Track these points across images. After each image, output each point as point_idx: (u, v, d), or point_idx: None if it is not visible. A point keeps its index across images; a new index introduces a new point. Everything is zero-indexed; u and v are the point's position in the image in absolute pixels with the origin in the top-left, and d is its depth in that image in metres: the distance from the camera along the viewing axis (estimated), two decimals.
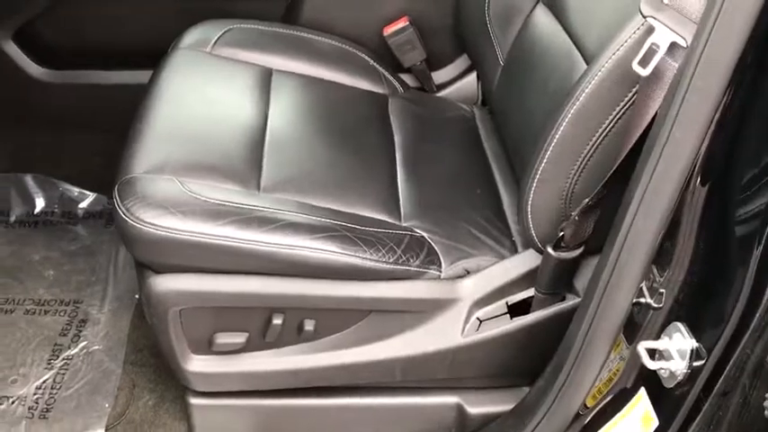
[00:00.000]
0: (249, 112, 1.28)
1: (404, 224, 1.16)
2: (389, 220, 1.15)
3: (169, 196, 1.07)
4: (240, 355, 1.15)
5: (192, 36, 1.44)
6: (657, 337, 0.84)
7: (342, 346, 1.14)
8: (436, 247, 1.13)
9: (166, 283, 1.08)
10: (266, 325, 1.11)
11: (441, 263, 1.12)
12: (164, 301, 1.09)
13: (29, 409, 1.34)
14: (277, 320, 1.10)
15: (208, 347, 1.13)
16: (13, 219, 1.73)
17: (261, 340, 1.13)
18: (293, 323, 1.12)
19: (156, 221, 1.04)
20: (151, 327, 1.15)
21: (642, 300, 0.88)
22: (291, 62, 1.44)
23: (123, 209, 1.06)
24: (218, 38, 1.43)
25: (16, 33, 1.58)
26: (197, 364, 1.14)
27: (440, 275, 1.11)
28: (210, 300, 1.10)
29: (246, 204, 1.08)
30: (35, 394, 1.36)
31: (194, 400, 1.20)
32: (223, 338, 1.12)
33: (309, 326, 1.12)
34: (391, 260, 1.08)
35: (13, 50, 1.59)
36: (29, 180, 1.76)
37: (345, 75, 1.46)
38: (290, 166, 1.19)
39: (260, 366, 1.15)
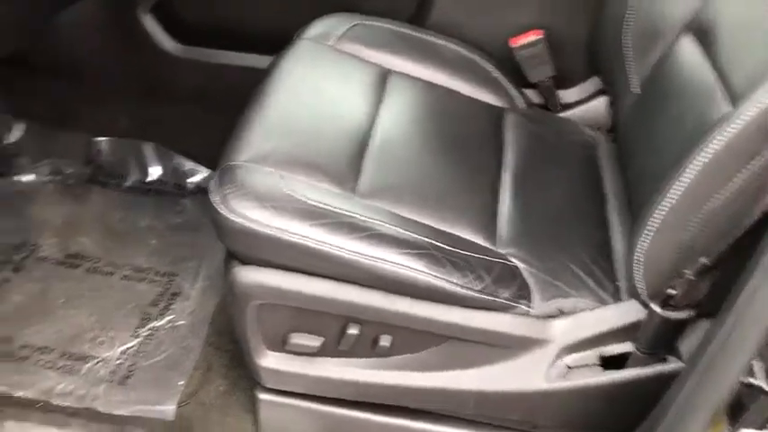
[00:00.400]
0: (360, 113, 1.25)
1: (498, 250, 1.09)
2: (483, 244, 1.09)
3: (265, 190, 1.06)
4: (313, 359, 1.12)
5: (317, 28, 1.43)
6: (763, 428, 0.75)
7: (416, 367, 1.09)
8: (530, 281, 1.06)
9: (250, 276, 1.07)
10: (342, 333, 1.08)
11: (533, 298, 1.04)
12: (245, 292, 1.08)
13: (110, 372, 1.38)
14: (353, 330, 1.07)
15: (282, 345, 1.11)
16: (128, 184, 1.79)
17: (335, 347, 1.10)
18: (369, 335, 1.08)
19: (247, 213, 1.03)
20: (230, 315, 1.14)
21: (753, 381, 0.78)
22: (412, 65, 1.39)
23: (219, 195, 1.06)
24: (343, 32, 1.41)
25: (154, 7, 1.63)
26: (269, 360, 1.13)
27: (530, 312, 1.04)
28: (291, 299, 1.08)
29: (339, 208, 1.05)
30: (118, 359, 1.40)
31: (262, 395, 1.19)
32: (298, 339, 1.10)
33: (385, 341, 1.07)
34: (478, 288, 1.02)
35: (150, 23, 1.64)
36: (148, 148, 1.81)
37: (465, 84, 1.40)
38: (389, 172, 1.15)
39: (331, 373, 1.12)
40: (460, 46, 1.46)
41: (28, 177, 1.77)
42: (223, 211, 1.04)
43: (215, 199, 1.06)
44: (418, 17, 1.54)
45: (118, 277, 1.56)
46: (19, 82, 1.76)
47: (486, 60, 1.46)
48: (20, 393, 1.31)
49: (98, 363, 1.39)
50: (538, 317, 1.04)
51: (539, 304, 1.04)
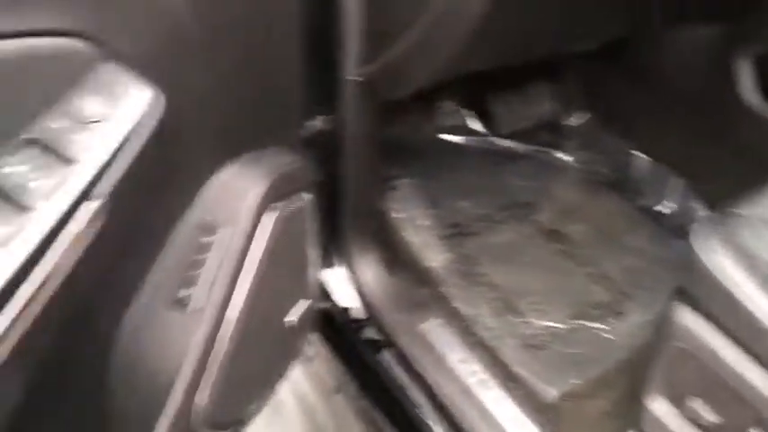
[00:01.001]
0: None
1: None
2: None
3: (752, 251, 0.98)
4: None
5: None
6: None
7: None
8: None
9: (690, 321, 1.02)
10: (744, 427, 0.96)
11: None
12: (674, 330, 1.04)
13: (527, 336, 1.48)
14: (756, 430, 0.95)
15: (677, 399, 1.05)
16: (641, 203, 1.85)
17: None
18: None
19: (720, 261, 0.98)
20: (649, 344, 1.12)
21: None
22: None
23: (702, 232, 1.03)
24: None
25: (754, 57, 1.60)
26: (658, 407, 1.07)
27: None
28: (715, 363, 1.00)
29: None
30: (540, 330, 1.48)
31: None
32: (696, 405, 1.02)
33: None
34: None
35: (744, 71, 1.62)
36: (676, 182, 1.83)
37: None
38: None
39: None
40: None
41: (564, 157, 1.97)
42: (698, 248, 1.01)
43: (697, 234, 1.03)
44: None
45: (582, 271, 1.64)
46: (601, 78, 1.94)
47: None
48: (454, 304, 1.52)
49: (523, 322, 1.50)
50: None
51: None
